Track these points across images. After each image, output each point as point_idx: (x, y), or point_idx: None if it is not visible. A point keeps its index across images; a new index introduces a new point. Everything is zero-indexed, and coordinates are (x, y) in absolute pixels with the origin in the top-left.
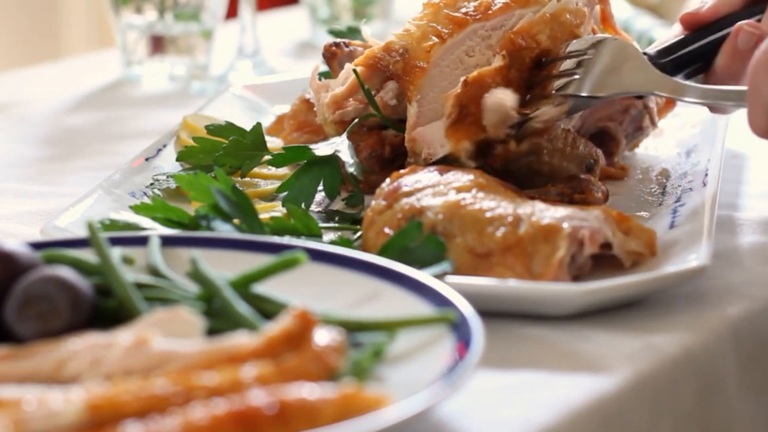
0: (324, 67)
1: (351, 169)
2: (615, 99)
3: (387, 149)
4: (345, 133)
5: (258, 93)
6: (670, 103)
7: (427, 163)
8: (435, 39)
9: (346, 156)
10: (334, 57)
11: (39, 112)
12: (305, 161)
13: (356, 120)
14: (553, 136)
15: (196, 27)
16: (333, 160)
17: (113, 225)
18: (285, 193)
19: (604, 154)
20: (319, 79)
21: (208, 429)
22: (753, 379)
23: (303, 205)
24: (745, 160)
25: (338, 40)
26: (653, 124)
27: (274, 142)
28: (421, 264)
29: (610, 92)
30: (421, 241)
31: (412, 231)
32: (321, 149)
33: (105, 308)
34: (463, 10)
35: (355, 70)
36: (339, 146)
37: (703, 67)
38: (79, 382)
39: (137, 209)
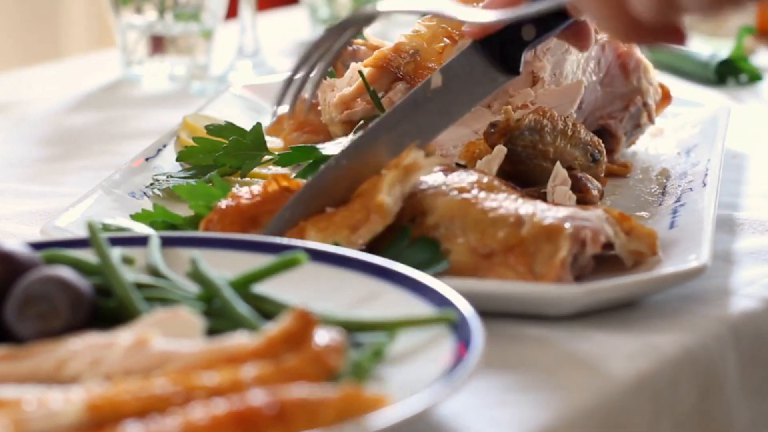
0: None
1: None
2: (615, 97)
3: None
4: (352, 133)
5: (258, 93)
6: (666, 99)
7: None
8: (446, 40)
9: None
10: (338, 57)
11: (39, 112)
12: (311, 161)
13: (364, 120)
14: (549, 115)
15: (196, 27)
16: None
17: (106, 229)
18: None
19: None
20: (324, 78)
21: (208, 429)
22: (753, 379)
23: None
24: (745, 160)
25: None
26: (651, 120)
27: (274, 142)
28: (417, 266)
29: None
30: (415, 243)
31: (401, 235)
32: (328, 149)
33: (105, 308)
34: None
35: (360, 72)
36: None
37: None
38: (79, 382)
39: (137, 217)
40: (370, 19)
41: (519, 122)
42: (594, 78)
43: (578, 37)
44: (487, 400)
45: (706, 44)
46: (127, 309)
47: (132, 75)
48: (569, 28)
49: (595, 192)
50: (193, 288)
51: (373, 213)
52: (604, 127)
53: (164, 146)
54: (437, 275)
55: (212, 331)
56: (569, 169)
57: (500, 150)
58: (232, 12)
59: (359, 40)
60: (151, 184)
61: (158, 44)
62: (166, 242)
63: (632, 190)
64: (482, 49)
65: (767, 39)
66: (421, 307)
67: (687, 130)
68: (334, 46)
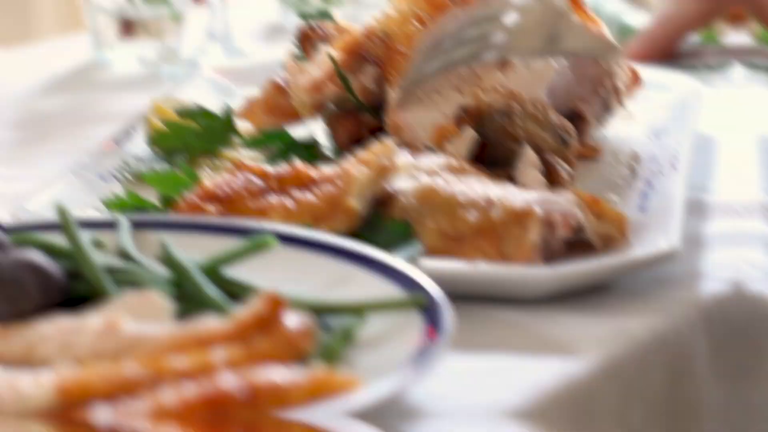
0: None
1: (328, 153)
2: (585, 80)
3: (365, 133)
4: (322, 116)
5: (228, 76)
6: (636, 82)
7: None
8: (416, 23)
9: (323, 139)
10: (307, 40)
11: (8, 95)
12: (281, 144)
13: (334, 104)
14: (519, 99)
15: (166, 10)
16: (310, 143)
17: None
18: None
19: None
20: (294, 62)
21: (179, 412)
22: (723, 363)
23: None
24: (715, 143)
25: (311, 22)
26: (621, 104)
27: (244, 126)
28: (390, 249)
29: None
30: (387, 226)
31: (373, 219)
32: (298, 133)
33: (75, 292)
34: None
35: (331, 56)
36: (316, 130)
37: None
38: (49, 366)
39: (110, 204)
40: None
41: (489, 106)
42: (564, 61)
43: None
44: (457, 383)
45: None
46: (97, 292)
47: (102, 58)
48: None
49: (565, 175)
50: (164, 272)
51: (341, 213)
52: (574, 111)
53: (134, 130)
54: (408, 259)
55: (182, 315)
56: (539, 152)
57: (470, 133)
58: None
59: (329, 24)
60: (121, 167)
61: (128, 27)
62: (137, 226)
63: (602, 174)
64: None
65: (738, 21)
66: (390, 291)
67: (657, 114)
68: None
